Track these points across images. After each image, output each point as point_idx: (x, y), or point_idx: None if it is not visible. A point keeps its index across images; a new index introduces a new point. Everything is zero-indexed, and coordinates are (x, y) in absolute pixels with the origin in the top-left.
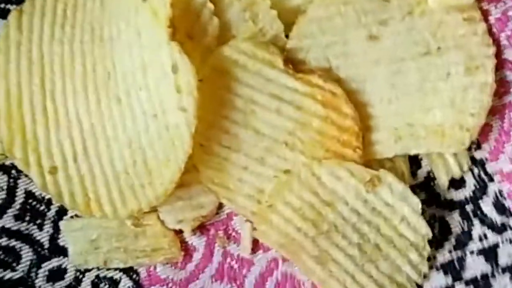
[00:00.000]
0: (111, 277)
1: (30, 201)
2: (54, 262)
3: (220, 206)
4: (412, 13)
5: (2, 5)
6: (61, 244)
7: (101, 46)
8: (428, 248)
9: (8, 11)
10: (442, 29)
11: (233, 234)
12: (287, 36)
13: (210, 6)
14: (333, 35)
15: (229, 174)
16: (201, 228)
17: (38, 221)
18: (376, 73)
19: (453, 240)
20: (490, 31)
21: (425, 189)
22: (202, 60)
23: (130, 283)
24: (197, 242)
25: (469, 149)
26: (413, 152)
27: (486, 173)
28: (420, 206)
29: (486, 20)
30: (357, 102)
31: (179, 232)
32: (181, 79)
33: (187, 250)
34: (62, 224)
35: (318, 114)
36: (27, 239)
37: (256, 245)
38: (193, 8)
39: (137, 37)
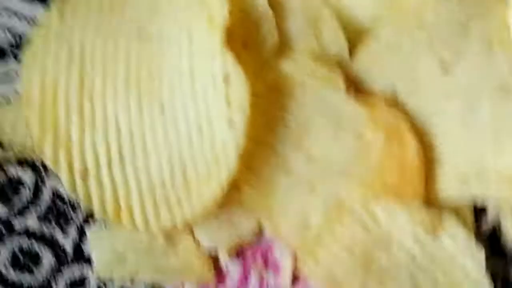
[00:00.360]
0: None
1: (57, 202)
2: (76, 270)
3: (261, 231)
4: (492, 46)
5: None
6: (85, 252)
7: (148, 46)
8: None
9: None
10: None
11: (272, 263)
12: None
13: (271, 15)
14: (402, 61)
15: (275, 199)
16: (237, 253)
17: (63, 225)
18: (446, 107)
19: None
20: None
21: (489, 240)
22: (257, 73)
23: None
24: (232, 266)
25: None
26: (480, 197)
27: None
28: (484, 259)
29: None
30: (422, 136)
31: (213, 254)
32: (232, 92)
33: (220, 273)
34: (88, 230)
35: (379, 145)
36: (50, 243)
37: (296, 278)
38: (253, 16)
39: (188, 41)
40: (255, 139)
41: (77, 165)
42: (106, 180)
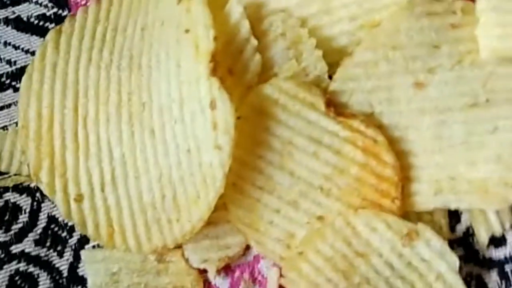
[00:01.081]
0: None
1: (53, 226)
2: None
3: (247, 247)
4: (462, 62)
5: (41, 23)
6: (80, 274)
7: (139, 74)
8: None
9: (47, 29)
10: (493, 80)
11: (259, 278)
12: (330, 77)
13: (254, 42)
14: (378, 80)
15: (260, 216)
16: (226, 269)
17: (59, 248)
18: (420, 122)
19: None
20: None
21: (463, 245)
22: (242, 97)
23: None
24: (221, 283)
25: None
26: (453, 206)
27: None
28: (458, 264)
29: None
30: (399, 151)
31: (203, 272)
32: (218, 116)
33: None
34: (83, 253)
35: (357, 160)
36: (46, 265)
37: None
38: (236, 43)
39: (177, 68)
40: (240, 160)
41: (71, 190)
42: (99, 203)
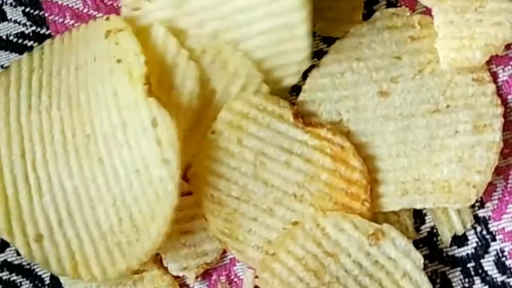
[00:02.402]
0: None
1: None
2: None
3: (224, 251)
4: (423, 72)
5: (20, 41)
6: (62, 281)
7: (79, 110)
8: None
9: (26, 47)
10: (452, 88)
11: (235, 280)
12: (299, 89)
13: (185, 52)
14: (345, 90)
15: (238, 225)
16: (203, 273)
17: None
18: (385, 128)
19: None
20: (498, 92)
21: (428, 244)
22: (188, 107)
23: None
24: (199, 287)
25: (473, 206)
26: (419, 206)
27: (488, 231)
28: (422, 261)
29: (494, 81)
30: (366, 156)
31: (181, 276)
32: (161, 132)
33: None
34: None
35: (327, 167)
36: (29, 274)
37: None
38: (169, 59)
39: (114, 97)
40: (216, 173)
41: (30, 232)
42: (59, 239)
